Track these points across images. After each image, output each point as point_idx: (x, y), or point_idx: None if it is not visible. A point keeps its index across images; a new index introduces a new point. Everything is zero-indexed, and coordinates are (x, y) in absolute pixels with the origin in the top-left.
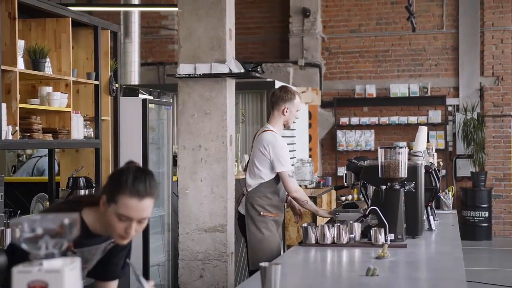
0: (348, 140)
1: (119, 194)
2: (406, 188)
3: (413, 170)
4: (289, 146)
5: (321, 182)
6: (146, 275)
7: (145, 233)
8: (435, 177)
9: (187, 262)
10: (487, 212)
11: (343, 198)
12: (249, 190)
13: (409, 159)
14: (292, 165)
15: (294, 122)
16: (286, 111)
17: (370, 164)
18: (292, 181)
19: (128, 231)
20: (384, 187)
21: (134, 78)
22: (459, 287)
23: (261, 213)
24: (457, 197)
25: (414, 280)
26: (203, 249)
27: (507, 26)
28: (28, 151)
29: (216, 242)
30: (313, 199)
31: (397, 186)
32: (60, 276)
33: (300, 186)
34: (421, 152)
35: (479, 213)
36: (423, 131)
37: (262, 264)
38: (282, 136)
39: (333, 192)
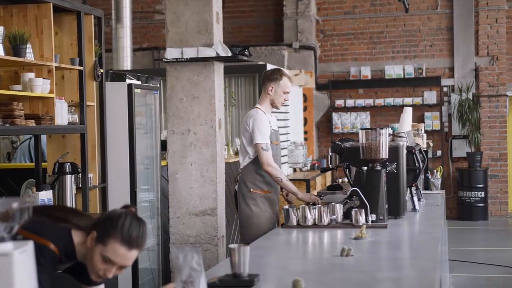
0: (343, 122)
1: (110, 237)
2: (388, 169)
3: (394, 151)
4: (283, 129)
5: (316, 164)
6: (136, 260)
7: None
8: (419, 157)
9: (178, 246)
10: (483, 192)
11: (340, 180)
12: (241, 167)
13: (392, 140)
14: (285, 148)
15: (283, 104)
16: (272, 91)
17: (352, 146)
18: (265, 154)
19: (107, 273)
20: (365, 168)
21: (126, 63)
22: (430, 265)
23: (251, 189)
24: (453, 178)
25: (386, 259)
26: (194, 232)
27: (502, 6)
28: (21, 138)
29: (207, 225)
30: (306, 181)
31: (378, 167)
32: (9, 259)
33: (295, 169)
34: (404, 133)
35: (475, 193)
36: (407, 112)
37: (231, 245)
38: (278, 120)
39: (328, 174)
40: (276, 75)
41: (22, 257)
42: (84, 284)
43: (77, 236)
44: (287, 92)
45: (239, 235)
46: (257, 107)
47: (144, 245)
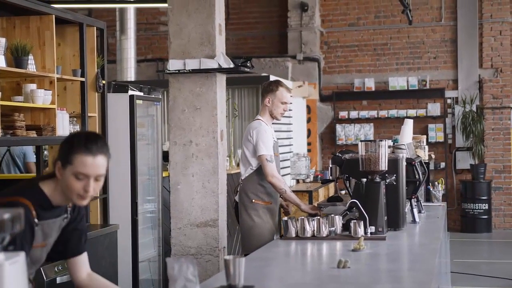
0: (347, 134)
1: (73, 154)
2: (387, 180)
3: (394, 163)
4: (286, 141)
5: (319, 176)
6: (135, 270)
7: (134, 228)
8: (419, 169)
9: (173, 256)
10: (486, 204)
11: (343, 192)
12: (242, 178)
13: (393, 152)
14: (287, 159)
15: (282, 114)
16: (269, 102)
17: (352, 158)
18: (270, 166)
19: (87, 189)
20: (364, 180)
21: (130, 74)
22: (426, 277)
23: (253, 200)
24: (457, 190)
25: (383, 271)
26: (195, 244)
27: (506, 18)
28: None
29: (208, 236)
30: (309, 193)
31: (378, 179)
32: (0, 270)
33: (298, 180)
34: (404, 145)
35: (478, 206)
36: (408, 124)
37: (226, 257)
38: (277, 131)
39: (332, 185)
40: (272, 86)
41: (13, 268)
42: (71, 257)
43: (46, 186)
44: (285, 103)
45: (241, 246)
46: (259, 119)
47: (108, 152)
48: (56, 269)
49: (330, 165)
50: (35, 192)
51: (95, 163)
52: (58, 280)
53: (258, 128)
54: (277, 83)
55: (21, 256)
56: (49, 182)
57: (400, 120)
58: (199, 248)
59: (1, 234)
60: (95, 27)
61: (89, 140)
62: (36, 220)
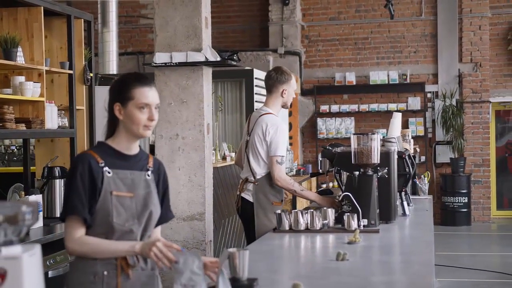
0: (328, 127)
1: (132, 90)
2: (379, 174)
3: (386, 156)
4: None
5: (301, 170)
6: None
7: None
8: (409, 163)
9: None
10: (466, 197)
11: (324, 186)
12: (257, 177)
13: (383, 145)
14: None
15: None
16: (285, 93)
17: (344, 151)
18: (278, 168)
19: (152, 117)
20: (357, 173)
21: (112, 67)
22: (425, 269)
23: (272, 203)
24: (437, 183)
25: (382, 263)
26: (182, 237)
27: (485, 13)
28: (7, 142)
29: (195, 230)
30: None
31: (370, 172)
32: (18, 262)
33: None
34: (394, 138)
35: (458, 199)
36: (397, 117)
37: (230, 249)
38: None
39: (313, 179)
40: (286, 76)
41: (31, 260)
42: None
43: (111, 141)
44: (296, 90)
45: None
46: (272, 113)
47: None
48: (48, 262)
49: (320, 159)
50: (100, 145)
51: (152, 93)
52: (50, 274)
53: (277, 125)
54: (288, 72)
55: (37, 249)
56: (113, 136)
57: (381, 114)
58: (186, 241)
59: (19, 226)
60: (82, 19)
61: (140, 75)
62: (105, 167)
